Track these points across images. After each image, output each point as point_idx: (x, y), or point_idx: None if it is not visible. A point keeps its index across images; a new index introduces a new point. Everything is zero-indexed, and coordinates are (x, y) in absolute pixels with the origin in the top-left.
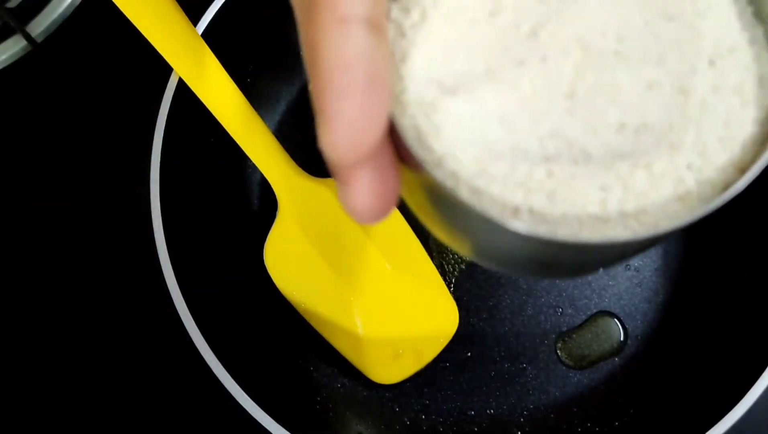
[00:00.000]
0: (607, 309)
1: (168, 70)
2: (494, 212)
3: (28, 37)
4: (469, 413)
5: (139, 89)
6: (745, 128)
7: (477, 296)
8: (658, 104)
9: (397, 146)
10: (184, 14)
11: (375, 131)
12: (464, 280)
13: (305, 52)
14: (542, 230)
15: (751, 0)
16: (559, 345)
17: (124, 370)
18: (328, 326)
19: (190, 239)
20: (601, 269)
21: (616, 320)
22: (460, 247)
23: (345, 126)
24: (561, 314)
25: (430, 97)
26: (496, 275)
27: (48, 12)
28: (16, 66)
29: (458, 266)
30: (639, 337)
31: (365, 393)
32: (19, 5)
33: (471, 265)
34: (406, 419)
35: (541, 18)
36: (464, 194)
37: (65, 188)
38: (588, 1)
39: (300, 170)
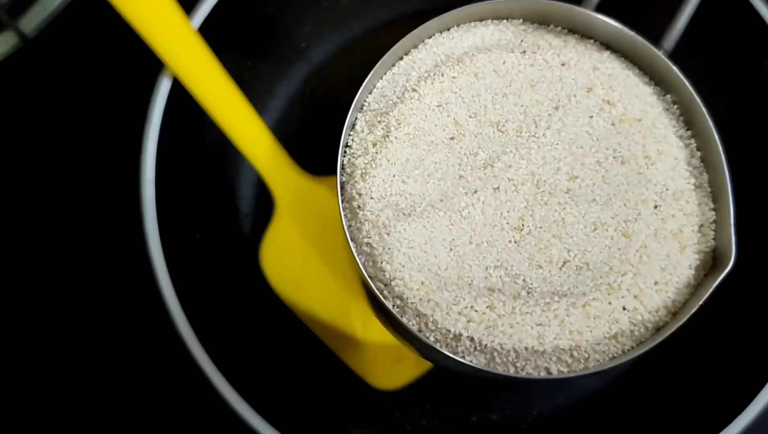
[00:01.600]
0: None
1: (163, 65)
2: (437, 337)
3: (19, 33)
4: (471, 419)
5: (133, 86)
6: (681, 273)
7: None
8: (601, 245)
9: (351, 263)
10: (179, 8)
11: None
12: None
13: None
14: (479, 362)
15: (700, 146)
16: None
17: (117, 373)
18: (327, 330)
19: (184, 240)
20: None
21: None
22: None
23: None
24: None
25: (386, 219)
26: None
27: (40, 8)
28: (7, 62)
29: None
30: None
31: (365, 399)
32: (11, 1)
33: None
34: (407, 425)
35: (499, 148)
36: (410, 317)
37: (56, 186)
38: (546, 136)
39: (299, 168)
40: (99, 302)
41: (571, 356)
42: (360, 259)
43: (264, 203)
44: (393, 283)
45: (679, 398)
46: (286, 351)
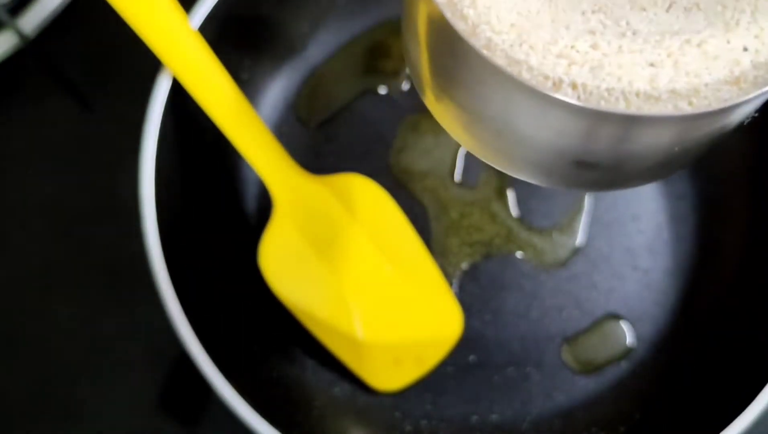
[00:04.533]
0: (615, 312)
1: (162, 66)
2: (534, 84)
3: (19, 33)
4: (472, 419)
5: (132, 86)
6: None
7: (480, 298)
8: None
9: (428, 17)
10: (179, 8)
11: None
12: (467, 282)
13: None
14: (587, 103)
15: None
16: (565, 348)
17: (115, 373)
18: (326, 330)
19: (182, 240)
20: (645, 181)
21: (623, 323)
22: (486, 148)
23: None
24: (566, 317)
25: None
26: (500, 277)
27: (40, 8)
28: (7, 62)
29: (461, 267)
30: (647, 341)
31: (365, 400)
32: (11, 0)
33: (474, 267)
34: (407, 426)
35: None
36: (502, 65)
37: (55, 186)
38: None
39: (298, 167)
40: (97, 302)
41: (690, 103)
42: (440, 6)
43: (263, 203)
44: (478, 30)
45: (679, 399)
46: (286, 352)
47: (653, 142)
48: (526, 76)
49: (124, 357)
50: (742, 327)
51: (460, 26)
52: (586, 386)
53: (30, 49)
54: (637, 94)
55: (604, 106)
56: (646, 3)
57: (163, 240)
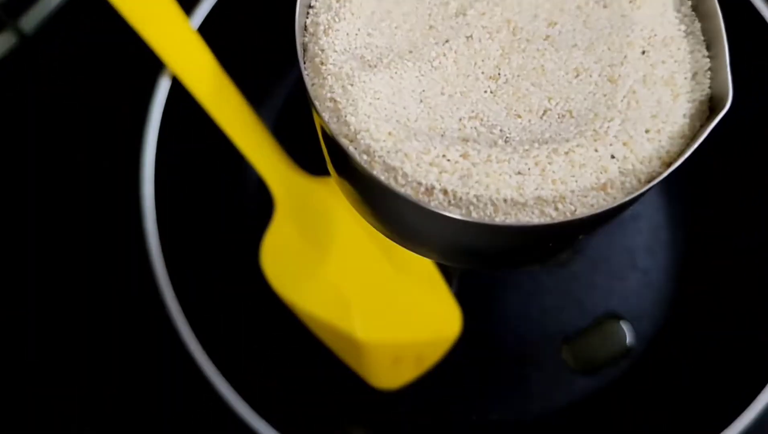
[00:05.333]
0: (614, 312)
1: (162, 65)
2: (407, 191)
3: (19, 32)
4: (472, 418)
5: (132, 85)
6: (675, 122)
7: (480, 298)
8: (584, 92)
9: (317, 123)
10: (179, 8)
11: None
12: (467, 282)
13: None
14: (455, 212)
15: None
16: (565, 348)
17: (116, 373)
18: (326, 329)
19: (184, 240)
20: (528, 263)
21: (623, 322)
22: (387, 233)
23: None
24: (566, 316)
25: (349, 69)
26: (499, 277)
27: (39, 7)
28: (7, 62)
29: (461, 267)
30: (647, 340)
31: (365, 398)
32: (11, 0)
33: None
34: (407, 425)
35: None
36: (378, 171)
37: (56, 186)
38: None
39: (298, 168)
40: (98, 302)
41: (556, 209)
42: (324, 116)
43: (264, 203)
44: (358, 136)
45: (678, 398)
46: (286, 351)
47: (527, 241)
48: (401, 182)
49: (124, 358)
50: (741, 327)
51: (343, 131)
52: (586, 385)
53: (29, 48)
54: (505, 201)
55: (473, 213)
56: (521, 110)
57: (164, 240)
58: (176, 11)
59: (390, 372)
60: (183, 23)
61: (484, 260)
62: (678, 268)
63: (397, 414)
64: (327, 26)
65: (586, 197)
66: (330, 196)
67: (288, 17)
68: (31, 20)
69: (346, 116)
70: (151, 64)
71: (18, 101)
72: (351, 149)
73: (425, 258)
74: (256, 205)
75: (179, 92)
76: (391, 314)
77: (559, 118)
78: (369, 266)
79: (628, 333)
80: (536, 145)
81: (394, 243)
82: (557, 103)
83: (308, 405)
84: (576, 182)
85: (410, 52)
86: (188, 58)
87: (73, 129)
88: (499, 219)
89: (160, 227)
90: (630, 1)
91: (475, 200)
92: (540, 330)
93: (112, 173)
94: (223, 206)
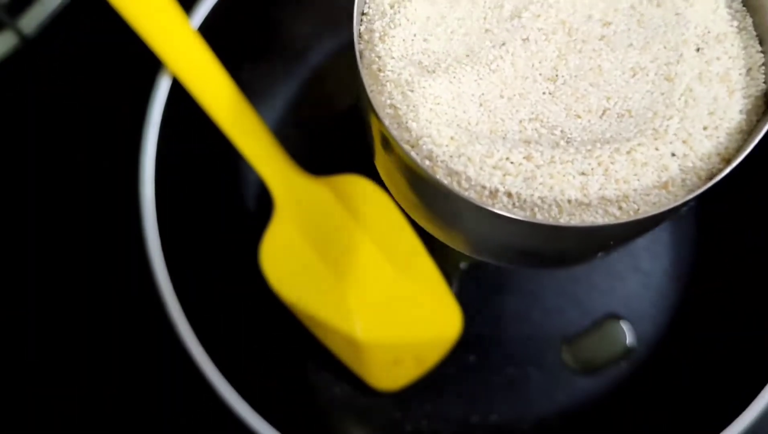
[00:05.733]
0: (615, 313)
1: (162, 65)
2: (471, 195)
3: (19, 33)
4: (472, 419)
5: (132, 86)
6: (731, 118)
7: (480, 299)
8: (642, 90)
9: (374, 128)
10: (179, 8)
11: None
12: (467, 282)
13: None
14: (520, 214)
15: None
16: (565, 349)
17: (116, 373)
18: (326, 330)
19: (183, 240)
20: (585, 261)
21: (623, 323)
22: (442, 234)
23: None
24: (567, 317)
25: (408, 76)
26: (499, 278)
27: (40, 8)
28: (7, 62)
29: (461, 267)
30: (647, 341)
31: (365, 399)
32: (11, 0)
33: (474, 267)
34: (407, 426)
35: None
36: (441, 176)
37: (56, 186)
38: None
39: (298, 168)
40: (98, 302)
41: (619, 208)
42: (385, 123)
43: (264, 204)
44: (420, 142)
45: (679, 399)
46: (286, 351)
47: (590, 240)
48: (464, 186)
49: (124, 357)
50: (741, 327)
51: (404, 137)
52: (586, 386)
53: (30, 49)
54: (569, 202)
55: (538, 214)
56: (581, 110)
57: (163, 240)
58: (176, 11)
59: (390, 373)
60: (183, 23)
61: (546, 260)
62: (678, 269)
63: (397, 415)
64: (383, 33)
65: (648, 195)
66: (330, 196)
67: (289, 19)
68: (31, 20)
69: (407, 122)
70: (151, 64)
71: (18, 101)
72: (413, 154)
73: (425, 258)
74: (256, 205)
75: (179, 92)
76: (391, 314)
77: (618, 117)
78: (369, 266)
79: (628, 334)
80: (598, 145)
81: (395, 244)
82: (616, 103)
83: (308, 405)
84: (638, 181)
85: (467, 56)
86: (188, 58)
87: (73, 129)
88: (563, 220)
89: (160, 228)
90: (683, 0)
91: (539, 202)
92: (540, 330)
93: (112, 173)
94: (223, 206)
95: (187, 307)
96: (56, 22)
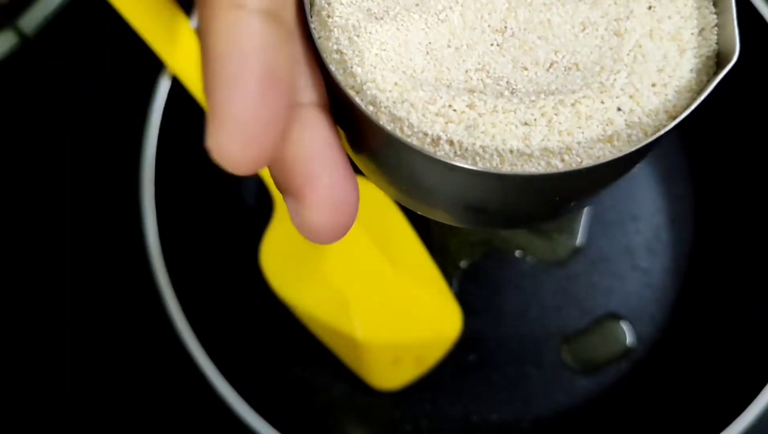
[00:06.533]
0: (614, 311)
1: (162, 65)
2: (413, 142)
3: (19, 33)
4: (472, 418)
5: (133, 86)
6: (681, 76)
7: (479, 298)
8: (591, 45)
9: (322, 74)
10: (179, 8)
11: (271, 133)
12: (466, 281)
13: (200, 44)
14: (460, 161)
15: None
16: (565, 348)
17: (116, 373)
18: (326, 329)
19: (183, 239)
20: (535, 222)
21: (623, 322)
22: (393, 191)
23: (236, 123)
24: (566, 316)
25: (356, 21)
26: (499, 277)
27: (40, 8)
28: (7, 62)
29: (460, 267)
30: (647, 340)
31: (365, 399)
32: (11, 0)
33: (474, 266)
34: (407, 425)
35: None
36: (384, 122)
37: (56, 186)
38: None
39: None
40: (98, 301)
41: (562, 160)
42: (330, 68)
43: (264, 204)
44: (365, 87)
45: (678, 398)
46: (286, 351)
47: (533, 194)
48: (407, 132)
49: (124, 358)
50: (741, 327)
51: (349, 82)
52: (586, 386)
53: (30, 49)
54: (511, 151)
55: (479, 163)
56: (528, 62)
57: (163, 240)
58: (176, 11)
59: (390, 373)
60: (183, 23)
61: (492, 218)
62: (678, 268)
63: (396, 415)
64: None
65: (592, 148)
66: None
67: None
68: (31, 20)
69: (352, 67)
70: (151, 64)
71: (18, 101)
72: (357, 99)
73: (425, 258)
74: (256, 205)
75: (179, 92)
76: (391, 314)
77: (565, 70)
78: (369, 266)
79: (628, 333)
80: (542, 96)
81: (394, 243)
82: (564, 57)
83: (308, 405)
84: (582, 133)
85: (416, 5)
86: (188, 58)
87: (73, 129)
88: (505, 170)
89: (160, 228)
90: None
91: (481, 151)
92: (540, 330)
93: (112, 173)
94: (223, 206)
95: (187, 307)
96: (56, 22)
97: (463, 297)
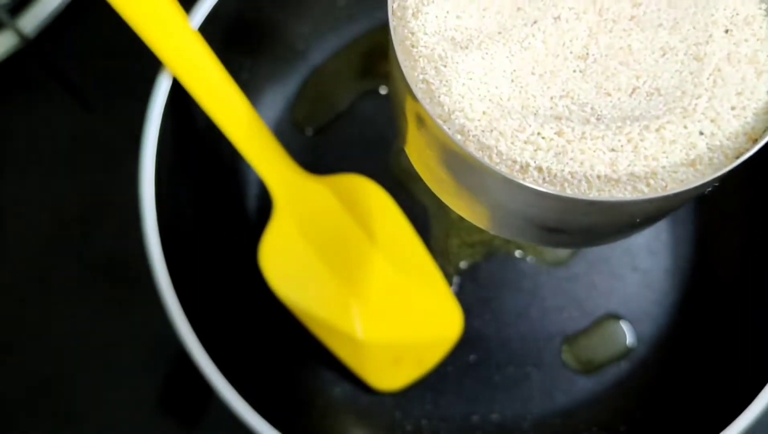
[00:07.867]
0: (614, 312)
1: (162, 65)
2: (502, 169)
3: (19, 33)
4: (473, 419)
5: (132, 86)
6: (759, 98)
7: (480, 298)
8: (671, 70)
9: (407, 104)
10: (179, 8)
11: None
12: (467, 282)
13: None
14: (550, 188)
15: None
16: (565, 348)
17: (115, 374)
18: (327, 330)
19: (183, 240)
20: (607, 241)
21: (623, 322)
22: (469, 212)
23: None
24: (566, 317)
25: (441, 51)
26: (499, 277)
27: (40, 8)
28: (7, 62)
29: (461, 267)
30: (647, 340)
31: (366, 399)
32: (11, 1)
33: (474, 267)
34: (408, 425)
35: None
36: (473, 150)
37: (55, 186)
38: None
39: (298, 167)
40: (98, 301)
41: (648, 185)
42: (418, 96)
43: (264, 203)
44: (453, 116)
45: (678, 398)
46: (286, 352)
47: (617, 217)
48: (495, 160)
49: (124, 358)
50: (741, 327)
51: (437, 111)
52: (586, 386)
53: (30, 49)
54: (599, 177)
55: (567, 189)
56: (611, 88)
57: (163, 240)
58: (176, 11)
59: (390, 373)
60: (183, 23)
61: (570, 238)
62: (678, 269)
63: (397, 415)
64: (416, 9)
65: (676, 172)
66: (330, 195)
67: (289, 19)
68: (31, 20)
69: (440, 97)
70: (151, 64)
71: (18, 101)
72: (446, 128)
73: (425, 258)
74: (256, 205)
75: (179, 92)
76: (392, 314)
77: (647, 96)
78: (369, 266)
79: (628, 334)
80: (628, 122)
81: (395, 243)
82: (645, 82)
83: (308, 405)
84: (667, 158)
85: (499, 33)
86: (188, 58)
87: (73, 130)
88: (593, 195)
89: (160, 228)
90: None
91: (569, 177)
92: (540, 330)
93: (112, 173)
94: (222, 206)
95: (187, 307)
96: (56, 22)
97: (463, 298)
